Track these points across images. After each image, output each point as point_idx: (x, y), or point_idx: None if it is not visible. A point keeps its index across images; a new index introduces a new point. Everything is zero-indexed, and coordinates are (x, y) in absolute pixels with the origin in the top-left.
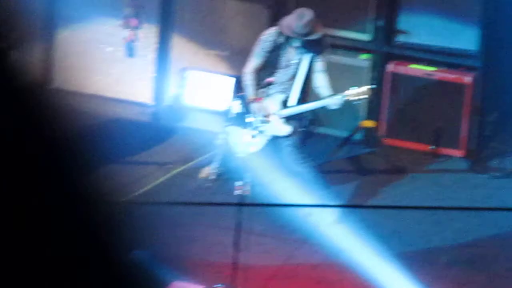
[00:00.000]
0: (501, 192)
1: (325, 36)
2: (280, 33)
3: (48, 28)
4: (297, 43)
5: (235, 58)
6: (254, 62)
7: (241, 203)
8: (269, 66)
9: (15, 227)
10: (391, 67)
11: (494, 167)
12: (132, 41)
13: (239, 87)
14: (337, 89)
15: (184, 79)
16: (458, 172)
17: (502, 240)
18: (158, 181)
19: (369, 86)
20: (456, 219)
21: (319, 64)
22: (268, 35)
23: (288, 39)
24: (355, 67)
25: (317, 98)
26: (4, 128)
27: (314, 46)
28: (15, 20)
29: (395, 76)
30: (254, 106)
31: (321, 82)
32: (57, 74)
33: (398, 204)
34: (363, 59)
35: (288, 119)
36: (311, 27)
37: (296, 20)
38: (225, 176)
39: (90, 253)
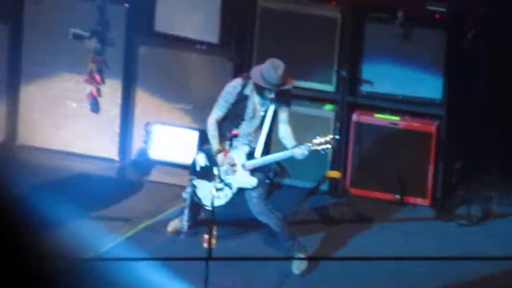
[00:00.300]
0: (468, 240)
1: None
2: (246, 84)
3: (12, 84)
4: (267, 94)
5: (199, 112)
6: (217, 113)
7: (208, 257)
8: (234, 117)
9: None
10: (355, 116)
11: (461, 215)
12: (96, 96)
13: (203, 140)
14: (302, 139)
15: (149, 133)
16: (425, 221)
17: None
18: (124, 236)
19: (334, 136)
20: (422, 266)
21: (284, 115)
22: (233, 86)
23: (257, 89)
24: (320, 117)
25: (282, 149)
26: None
27: (281, 97)
28: None
29: (360, 125)
30: (219, 158)
31: (286, 132)
32: (21, 130)
33: (366, 253)
34: (328, 109)
35: (254, 170)
36: (284, 78)
37: (271, 70)
38: (193, 230)
39: None
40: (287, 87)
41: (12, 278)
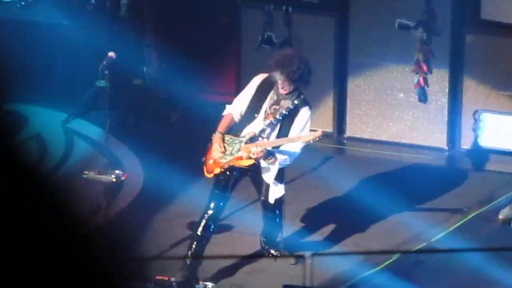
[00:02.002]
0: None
1: None
2: None
3: (340, 76)
4: None
5: None
6: None
7: None
8: None
9: None
10: None
11: None
12: (424, 86)
13: None
14: None
15: (477, 121)
16: None
17: None
18: (454, 226)
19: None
20: None
21: None
22: None
23: None
24: None
25: None
26: None
27: None
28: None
29: None
30: None
31: None
32: (349, 122)
33: None
34: None
35: None
36: None
37: None
38: None
39: None
40: None
41: None
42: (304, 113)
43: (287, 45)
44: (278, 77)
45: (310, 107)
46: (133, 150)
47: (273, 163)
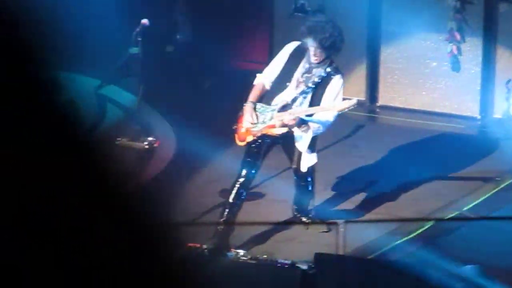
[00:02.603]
0: None
1: None
2: None
3: (373, 44)
4: None
5: None
6: None
7: None
8: None
9: None
10: None
11: None
12: (457, 55)
13: None
14: None
15: (510, 90)
16: None
17: None
18: (487, 195)
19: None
20: None
21: None
22: None
23: None
24: None
25: None
26: None
27: None
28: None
29: None
30: None
31: None
32: (382, 91)
33: None
34: None
35: None
36: None
37: None
38: None
39: None
40: None
41: None
42: (337, 81)
43: (320, 13)
44: (310, 45)
45: (343, 75)
46: (165, 117)
47: (306, 131)
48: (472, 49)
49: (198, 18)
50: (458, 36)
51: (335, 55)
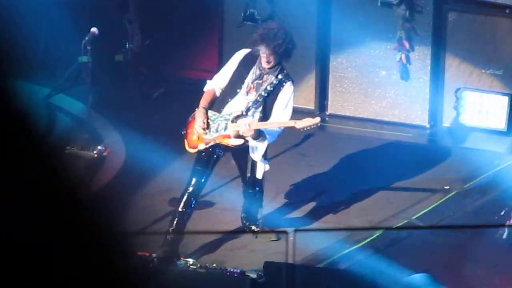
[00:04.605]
0: None
1: None
2: None
3: (322, 54)
4: None
5: (510, 76)
6: None
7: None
8: None
9: None
10: None
11: None
12: (406, 64)
13: None
14: None
15: (459, 99)
16: None
17: None
18: (436, 204)
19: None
20: None
21: None
22: None
23: None
24: None
25: None
26: None
27: None
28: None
29: None
30: None
31: None
32: (331, 99)
33: None
34: None
35: None
36: None
37: None
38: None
39: None
40: None
41: None
42: (288, 88)
43: (271, 20)
44: (262, 51)
45: (293, 82)
46: (115, 126)
47: (262, 141)
48: (421, 58)
49: (148, 26)
50: (407, 45)
51: (286, 61)
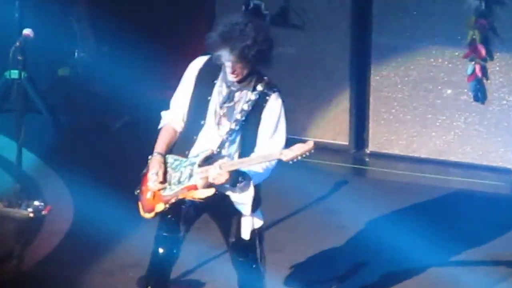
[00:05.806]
0: None
1: None
2: None
3: (359, 64)
4: None
5: None
6: None
7: None
8: None
9: None
10: None
11: None
12: (482, 78)
13: None
14: None
15: None
16: None
17: None
18: None
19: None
20: None
21: None
22: None
23: None
24: None
25: None
26: None
27: None
28: None
29: None
30: None
31: None
32: (372, 132)
33: None
34: None
35: None
36: None
37: None
38: None
39: None
40: None
41: None
42: (273, 102)
43: (281, 19)
44: (226, 59)
45: (280, 92)
46: (59, 172)
47: (244, 187)
48: (504, 70)
49: (106, 27)
50: (483, 51)
51: (263, 69)
